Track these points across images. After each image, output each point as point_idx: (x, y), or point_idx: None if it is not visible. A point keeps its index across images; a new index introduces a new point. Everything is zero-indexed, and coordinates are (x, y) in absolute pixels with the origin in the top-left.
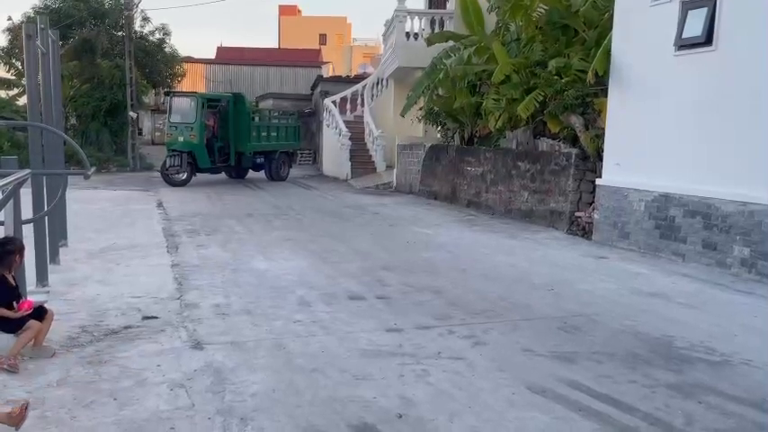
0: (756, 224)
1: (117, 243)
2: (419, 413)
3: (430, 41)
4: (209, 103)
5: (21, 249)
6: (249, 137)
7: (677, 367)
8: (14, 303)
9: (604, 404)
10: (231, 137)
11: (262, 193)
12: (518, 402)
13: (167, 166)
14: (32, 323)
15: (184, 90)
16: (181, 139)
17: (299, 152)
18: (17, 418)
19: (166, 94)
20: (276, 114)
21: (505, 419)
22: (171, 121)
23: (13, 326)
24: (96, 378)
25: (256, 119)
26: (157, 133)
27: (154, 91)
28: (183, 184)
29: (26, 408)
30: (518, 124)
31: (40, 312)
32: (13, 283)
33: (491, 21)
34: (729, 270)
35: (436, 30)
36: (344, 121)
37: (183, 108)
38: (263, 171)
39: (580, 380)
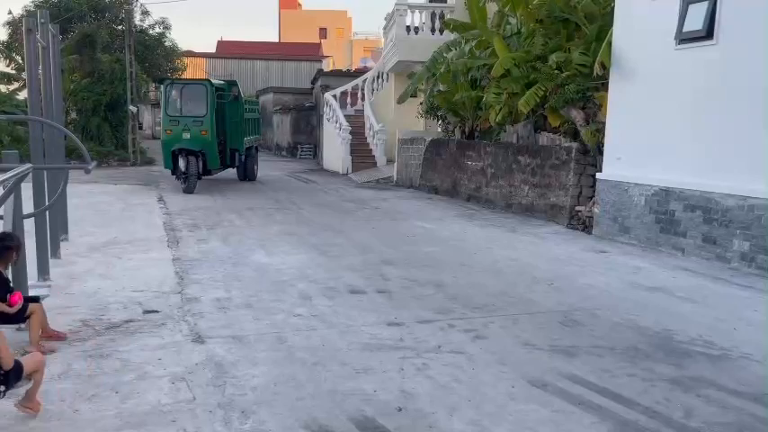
0: (756, 218)
1: (118, 237)
2: (419, 406)
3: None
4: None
5: (18, 246)
6: (242, 131)
7: (677, 361)
8: (7, 296)
9: (604, 398)
10: (229, 132)
11: (262, 188)
12: (518, 396)
13: (189, 171)
14: (35, 306)
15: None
16: (186, 136)
17: (299, 146)
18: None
19: (160, 81)
20: (248, 103)
21: (505, 413)
22: (169, 113)
23: (19, 316)
24: (98, 372)
25: (248, 109)
26: (158, 128)
27: (154, 85)
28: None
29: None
30: (519, 118)
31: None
32: (5, 277)
33: (493, 11)
34: (729, 264)
35: (437, 24)
36: (345, 116)
37: (190, 98)
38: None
39: (580, 374)
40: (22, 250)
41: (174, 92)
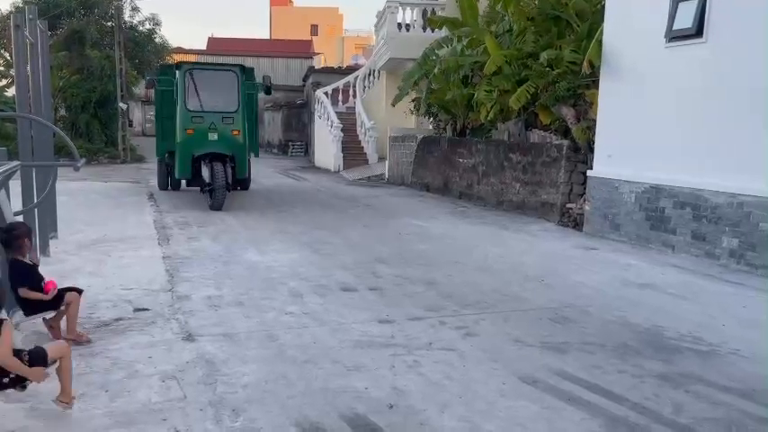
0: (745, 215)
1: (108, 235)
2: (410, 403)
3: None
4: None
5: (28, 233)
6: (257, 131)
7: (666, 357)
8: (42, 284)
9: (594, 394)
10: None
11: (253, 186)
12: (508, 392)
13: (215, 181)
14: (73, 295)
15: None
16: (213, 137)
17: (291, 144)
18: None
19: (177, 67)
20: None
21: (496, 409)
22: (190, 108)
23: (55, 303)
24: (88, 370)
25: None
26: (148, 125)
27: (148, 79)
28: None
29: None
30: (510, 116)
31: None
32: (32, 263)
33: (484, 7)
34: (718, 261)
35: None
36: (336, 113)
37: (216, 88)
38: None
39: (571, 370)
40: (33, 236)
41: (195, 80)
